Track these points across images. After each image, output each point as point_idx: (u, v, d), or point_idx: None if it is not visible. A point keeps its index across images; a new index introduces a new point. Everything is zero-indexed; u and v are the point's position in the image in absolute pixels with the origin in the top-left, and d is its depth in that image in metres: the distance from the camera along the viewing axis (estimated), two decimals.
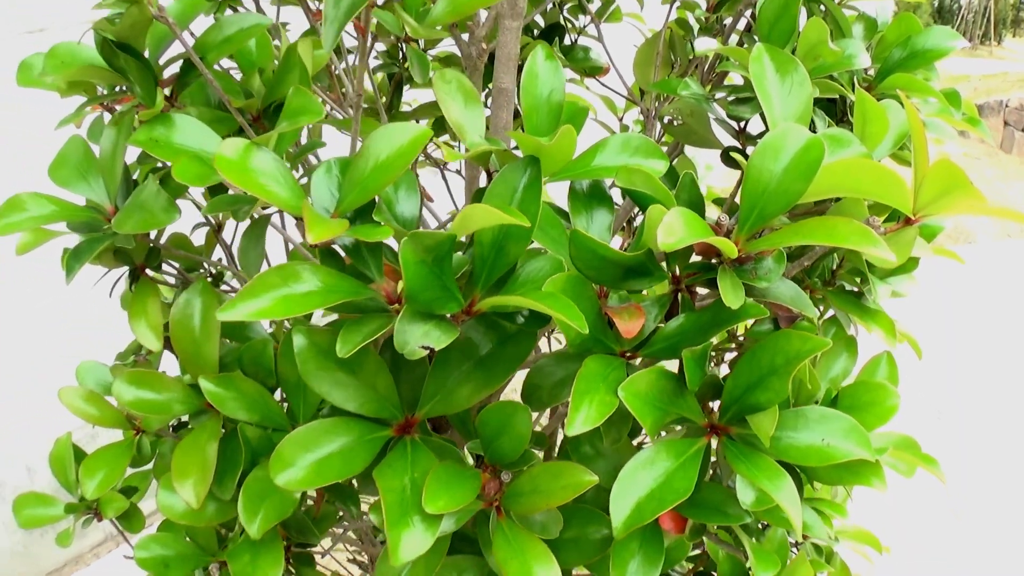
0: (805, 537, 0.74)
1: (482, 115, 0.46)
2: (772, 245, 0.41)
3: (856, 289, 0.61)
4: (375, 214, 0.43)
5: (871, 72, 0.68)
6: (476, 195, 0.47)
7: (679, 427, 0.48)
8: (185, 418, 0.71)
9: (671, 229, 0.37)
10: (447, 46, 0.93)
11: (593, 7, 1.00)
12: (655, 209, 0.41)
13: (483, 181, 0.58)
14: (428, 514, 0.41)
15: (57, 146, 0.61)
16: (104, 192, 0.56)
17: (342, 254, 0.42)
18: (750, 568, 0.65)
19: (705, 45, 0.64)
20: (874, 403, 0.53)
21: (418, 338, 0.38)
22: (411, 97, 1.05)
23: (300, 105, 0.42)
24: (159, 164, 0.61)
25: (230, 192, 0.46)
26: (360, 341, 0.39)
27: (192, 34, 0.46)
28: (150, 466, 0.76)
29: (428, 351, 0.39)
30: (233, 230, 0.72)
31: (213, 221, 0.72)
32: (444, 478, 0.43)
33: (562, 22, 1.01)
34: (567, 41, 1.03)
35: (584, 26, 1.04)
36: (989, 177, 7.27)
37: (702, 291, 0.51)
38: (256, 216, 0.64)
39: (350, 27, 0.60)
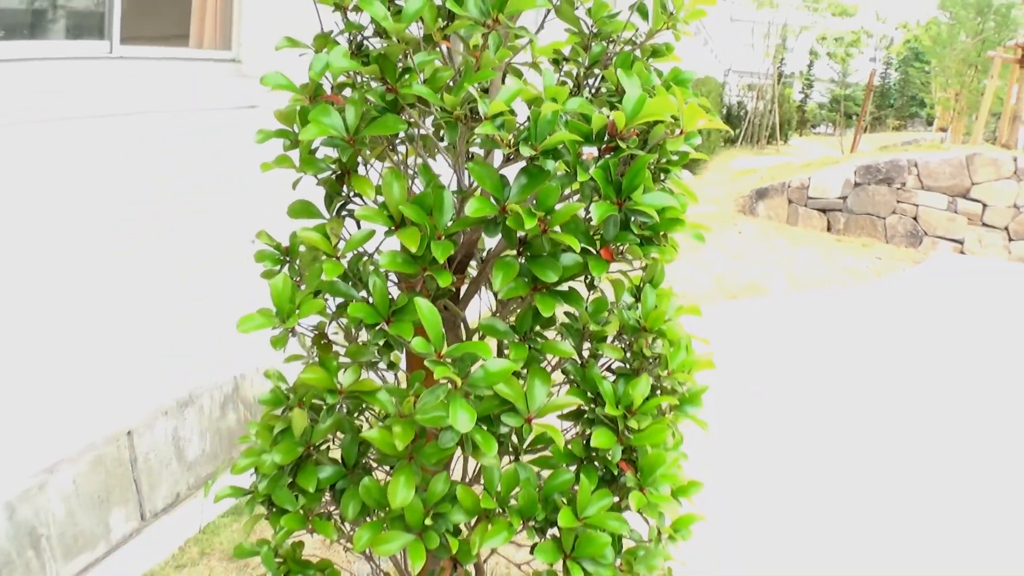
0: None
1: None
2: (635, 123, 1.37)
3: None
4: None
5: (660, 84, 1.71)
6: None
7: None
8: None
9: (606, 116, 1.33)
10: None
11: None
12: (597, 115, 1.37)
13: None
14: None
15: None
16: (344, 129, 1.41)
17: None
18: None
19: (596, 72, 1.64)
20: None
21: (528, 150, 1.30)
22: None
23: (484, 75, 1.33)
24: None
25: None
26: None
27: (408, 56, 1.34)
28: None
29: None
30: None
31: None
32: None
33: None
34: None
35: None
36: (779, 245, 9.26)
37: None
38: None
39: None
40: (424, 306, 1.30)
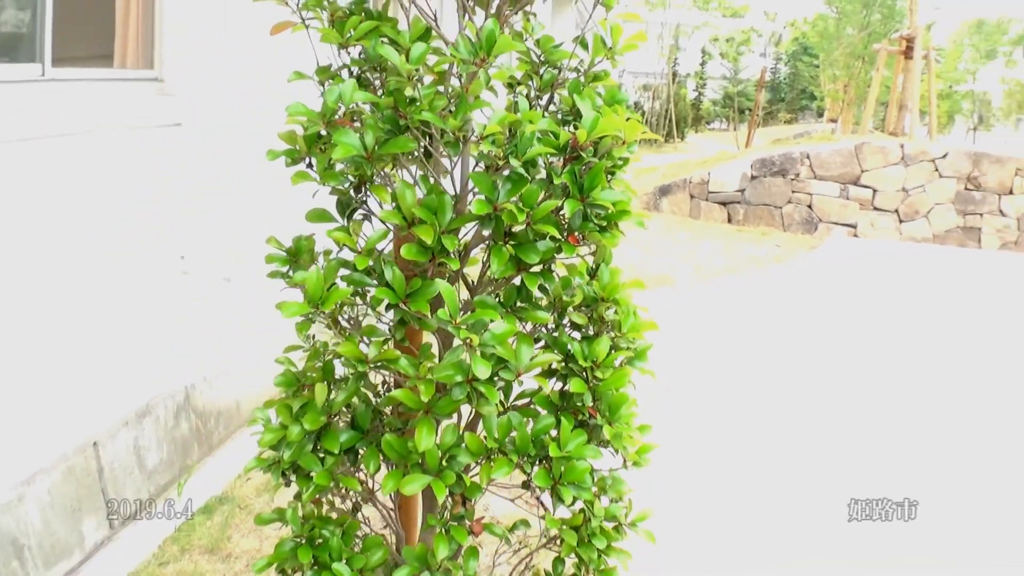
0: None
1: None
2: (590, 137, 1.83)
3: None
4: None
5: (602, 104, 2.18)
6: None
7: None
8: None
9: (570, 132, 1.79)
10: None
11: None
12: (563, 132, 1.83)
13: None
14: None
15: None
16: (362, 147, 1.82)
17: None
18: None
19: (560, 93, 2.09)
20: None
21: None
22: None
23: (478, 103, 1.75)
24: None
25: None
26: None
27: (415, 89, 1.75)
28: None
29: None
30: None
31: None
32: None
33: None
34: None
35: None
36: (683, 239, 10.01)
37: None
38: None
39: None
40: (443, 286, 1.73)
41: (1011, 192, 11.81)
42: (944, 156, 11.92)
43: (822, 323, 7.07)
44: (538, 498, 3.77)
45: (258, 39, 4.97)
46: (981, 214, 11.89)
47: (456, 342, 1.86)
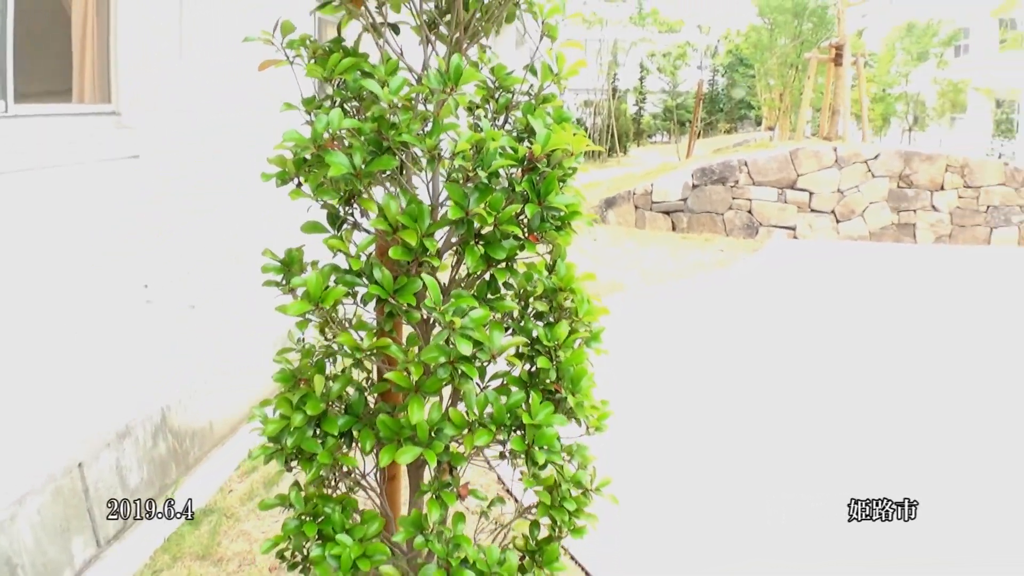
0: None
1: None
2: (544, 150, 2.22)
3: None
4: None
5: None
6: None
7: None
8: None
9: (527, 147, 2.17)
10: None
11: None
12: (521, 147, 2.21)
13: None
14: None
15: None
16: (351, 166, 2.18)
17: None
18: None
19: (514, 114, 2.48)
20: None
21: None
22: None
23: (450, 125, 2.12)
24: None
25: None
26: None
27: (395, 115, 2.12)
28: None
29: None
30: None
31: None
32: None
33: None
34: None
35: None
36: (630, 248, 10.51)
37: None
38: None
39: None
40: (428, 279, 2.10)
41: (942, 188, 12.59)
42: (876, 157, 12.66)
43: (772, 322, 7.57)
44: (508, 490, 4.13)
45: (215, 70, 5.29)
46: (914, 210, 12.64)
47: (435, 333, 2.22)
